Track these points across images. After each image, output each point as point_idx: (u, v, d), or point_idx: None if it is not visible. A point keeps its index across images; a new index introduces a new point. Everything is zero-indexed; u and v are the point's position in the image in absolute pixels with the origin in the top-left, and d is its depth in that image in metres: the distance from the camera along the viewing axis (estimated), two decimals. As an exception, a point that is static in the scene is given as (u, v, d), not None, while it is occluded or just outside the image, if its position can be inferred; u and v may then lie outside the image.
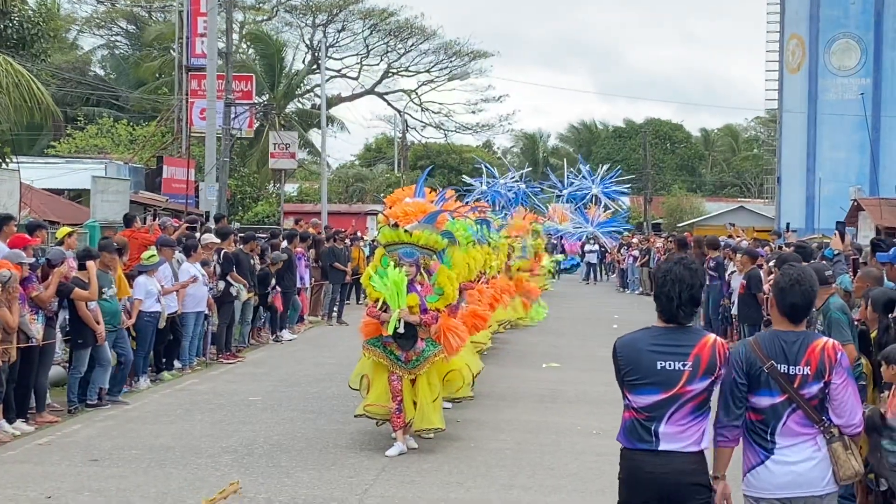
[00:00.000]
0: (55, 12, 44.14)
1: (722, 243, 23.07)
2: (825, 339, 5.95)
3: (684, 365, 5.71)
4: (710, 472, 5.85)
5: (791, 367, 5.77)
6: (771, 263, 17.51)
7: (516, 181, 41.60)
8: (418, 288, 11.73)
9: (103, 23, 59.88)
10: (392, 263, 11.76)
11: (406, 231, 11.73)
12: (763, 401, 5.81)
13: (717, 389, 5.86)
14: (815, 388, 5.76)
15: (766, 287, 17.76)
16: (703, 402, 5.77)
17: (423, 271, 11.96)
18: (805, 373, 5.75)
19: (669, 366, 5.72)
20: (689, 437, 5.73)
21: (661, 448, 5.72)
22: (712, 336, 5.86)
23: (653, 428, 5.74)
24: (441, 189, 16.50)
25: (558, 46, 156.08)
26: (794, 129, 54.55)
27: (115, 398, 14.70)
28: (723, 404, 5.85)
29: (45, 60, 31.35)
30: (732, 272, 20.03)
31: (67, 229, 16.01)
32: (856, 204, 31.88)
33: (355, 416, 12.29)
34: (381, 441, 12.08)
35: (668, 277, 5.82)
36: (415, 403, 11.85)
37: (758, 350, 5.82)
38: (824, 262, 15.70)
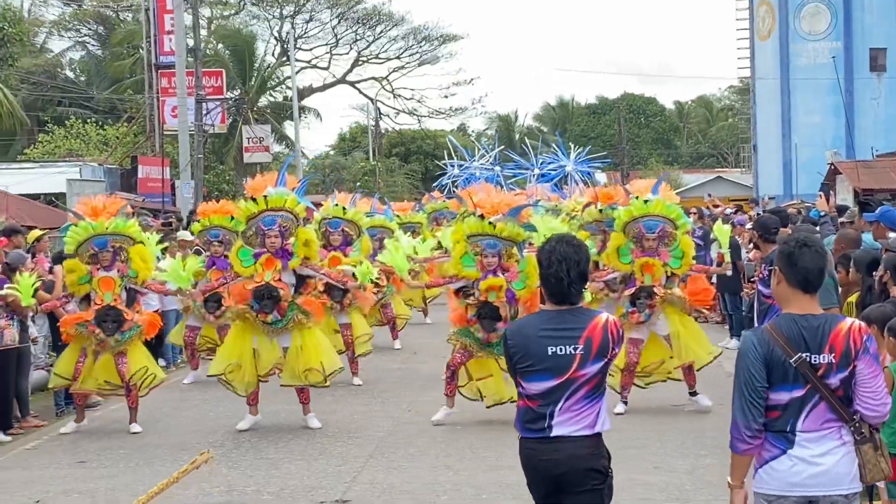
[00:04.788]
0: (21, 16, 43.80)
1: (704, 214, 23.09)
2: (849, 320, 5.24)
3: (575, 349, 5.48)
4: (608, 457, 5.64)
5: (815, 357, 5.06)
6: (748, 226, 17.60)
7: (491, 164, 41.43)
8: (503, 274, 12.13)
9: (71, 25, 59.43)
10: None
11: (490, 223, 12.12)
12: (782, 396, 5.10)
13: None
14: (839, 378, 5.07)
15: (749, 254, 17.82)
16: (598, 385, 5.56)
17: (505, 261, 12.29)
18: (829, 361, 5.06)
19: (560, 350, 5.49)
20: (582, 420, 5.52)
21: (553, 434, 5.52)
22: (604, 316, 5.63)
23: (547, 414, 5.52)
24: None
25: (523, 28, 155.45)
26: (767, 97, 54.57)
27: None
28: (741, 406, 5.13)
29: (13, 65, 31.12)
30: (713, 241, 20.00)
31: (38, 233, 15.96)
32: (833, 168, 31.90)
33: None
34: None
35: (553, 257, 5.52)
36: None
37: (780, 340, 5.09)
38: (809, 224, 15.81)
